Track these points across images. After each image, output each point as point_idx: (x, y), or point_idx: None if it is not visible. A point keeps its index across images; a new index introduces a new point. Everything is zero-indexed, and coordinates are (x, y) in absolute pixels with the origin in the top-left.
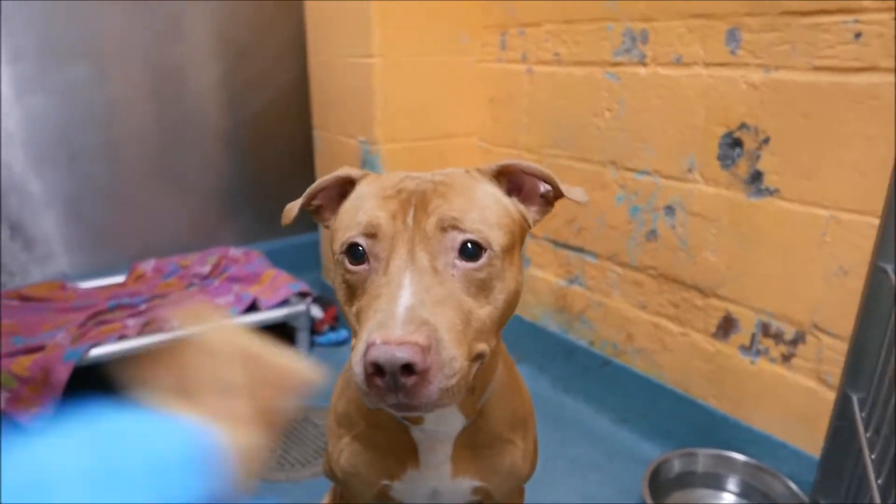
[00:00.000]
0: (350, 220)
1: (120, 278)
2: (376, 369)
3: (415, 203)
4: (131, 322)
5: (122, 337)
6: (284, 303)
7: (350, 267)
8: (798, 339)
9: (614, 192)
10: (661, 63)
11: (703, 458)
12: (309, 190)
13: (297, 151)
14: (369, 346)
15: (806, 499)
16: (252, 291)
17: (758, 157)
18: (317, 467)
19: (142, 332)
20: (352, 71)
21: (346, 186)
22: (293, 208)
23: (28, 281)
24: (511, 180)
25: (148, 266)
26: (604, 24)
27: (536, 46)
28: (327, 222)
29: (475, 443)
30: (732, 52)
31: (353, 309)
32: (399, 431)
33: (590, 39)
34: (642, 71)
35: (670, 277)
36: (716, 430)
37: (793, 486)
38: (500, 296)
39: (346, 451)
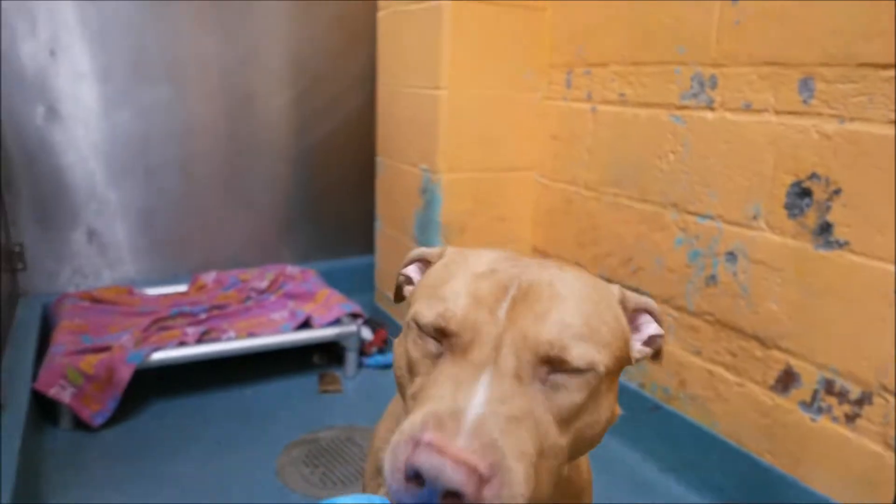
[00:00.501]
0: (430, 292)
1: (182, 287)
2: (415, 475)
3: (514, 294)
4: (191, 330)
5: (181, 343)
6: (336, 322)
7: (419, 340)
8: (864, 400)
9: (674, 235)
10: (729, 108)
11: None
12: (401, 266)
13: (358, 177)
14: (417, 441)
15: None
16: (306, 309)
17: (828, 208)
18: (356, 488)
19: (200, 339)
20: (418, 101)
21: (427, 265)
22: (394, 295)
23: (99, 284)
24: (633, 315)
25: (209, 277)
26: (672, 68)
27: (602, 86)
28: (409, 294)
29: None
30: (805, 101)
31: (414, 384)
32: None
33: (657, 82)
34: (709, 115)
35: (728, 325)
36: (769, 487)
37: None
38: (588, 425)
39: None
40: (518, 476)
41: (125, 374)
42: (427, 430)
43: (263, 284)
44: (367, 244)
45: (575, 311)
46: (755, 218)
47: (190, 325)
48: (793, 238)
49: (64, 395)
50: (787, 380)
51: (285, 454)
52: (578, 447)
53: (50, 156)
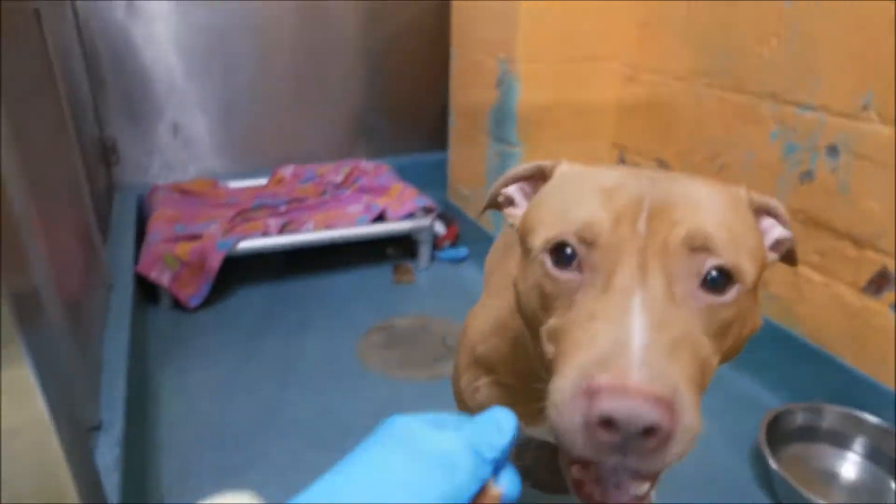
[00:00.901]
0: (555, 214)
1: (262, 181)
2: (605, 423)
3: (649, 207)
4: (273, 221)
5: (264, 234)
6: (410, 216)
7: (553, 272)
8: None
9: (769, 128)
10: None
11: (830, 414)
12: (497, 185)
13: (432, 70)
14: (594, 390)
15: None
16: (381, 203)
17: None
18: (432, 371)
19: (281, 231)
20: None
21: (538, 181)
22: (484, 207)
23: (186, 177)
24: (757, 218)
25: (287, 171)
26: None
27: None
28: (515, 217)
29: None
30: None
31: (550, 324)
32: (536, 383)
33: None
34: None
35: (821, 223)
36: (849, 389)
37: None
38: (736, 339)
39: (482, 392)
40: (692, 401)
41: (216, 260)
42: (598, 376)
43: (339, 178)
44: (440, 139)
45: (715, 218)
46: (865, 108)
47: (271, 216)
48: None
49: (163, 278)
50: (880, 281)
51: (364, 338)
52: (721, 363)
53: (133, 51)
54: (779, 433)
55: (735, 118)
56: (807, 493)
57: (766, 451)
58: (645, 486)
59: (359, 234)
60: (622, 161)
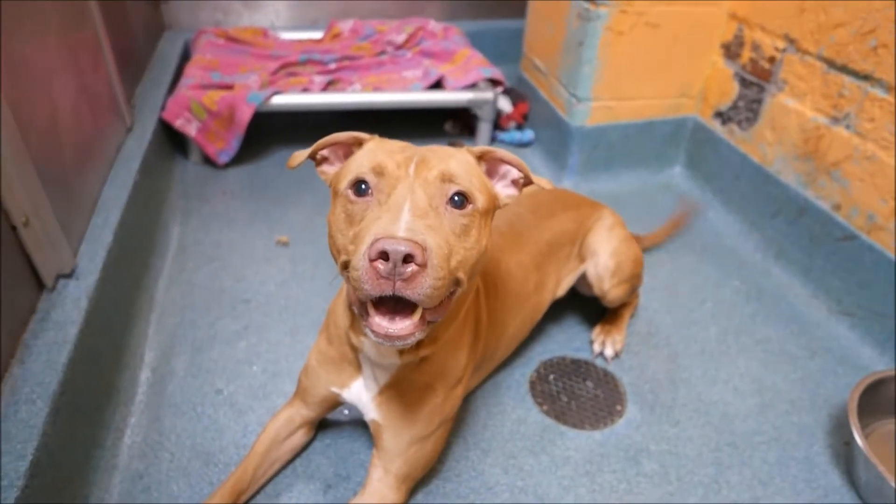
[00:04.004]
0: (359, 163)
1: (318, 35)
2: (381, 255)
3: (416, 161)
4: (318, 78)
5: (305, 90)
6: (472, 87)
7: (353, 198)
8: None
9: None
10: None
11: None
12: (320, 142)
13: None
14: (375, 240)
15: None
16: (442, 69)
17: None
18: None
19: (325, 89)
20: None
21: (352, 147)
22: (300, 156)
23: (240, 23)
24: (489, 163)
25: (346, 25)
26: None
27: None
28: (327, 175)
29: (406, 380)
30: None
31: (350, 234)
32: (351, 350)
33: None
34: None
35: None
36: None
37: None
38: (472, 246)
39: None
40: (437, 254)
41: (246, 113)
42: (379, 234)
43: (400, 38)
44: (518, 6)
45: (458, 166)
46: None
47: (319, 73)
48: None
49: (189, 128)
50: None
51: None
52: (468, 264)
53: None
54: (874, 402)
55: None
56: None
57: (854, 424)
58: (415, 317)
59: (408, 101)
60: (740, 38)
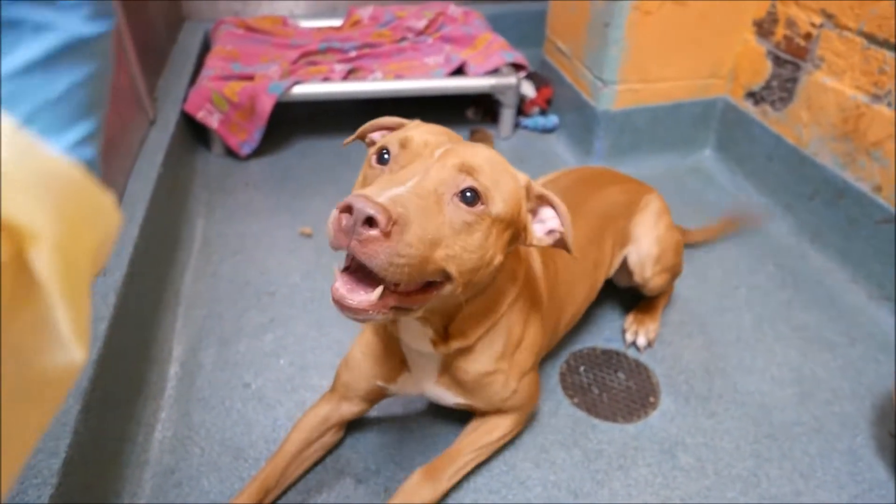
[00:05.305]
0: (393, 136)
1: (337, 22)
2: (346, 209)
3: (448, 147)
4: (338, 67)
5: (325, 79)
6: (494, 72)
7: (374, 164)
8: None
9: None
10: None
11: None
12: (367, 125)
13: None
14: (349, 196)
15: None
16: (463, 54)
17: None
18: None
19: (346, 77)
20: None
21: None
22: (350, 138)
23: (257, 13)
24: (538, 204)
25: (366, 12)
26: None
27: None
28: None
29: (460, 366)
30: None
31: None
32: (394, 342)
33: None
34: None
35: None
36: None
37: None
38: (473, 249)
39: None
40: (415, 233)
41: (267, 104)
42: (357, 193)
43: (421, 24)
44: None
45: (484, 163)
46: None
47: (339, 61)
48: None
49: (211, 119)
50: None
51: None
52: (465, 267)
53: None
54: None
55: None
56: None
57: None
58: (375, 294)
59: (430, 88)
60: (773, 14)
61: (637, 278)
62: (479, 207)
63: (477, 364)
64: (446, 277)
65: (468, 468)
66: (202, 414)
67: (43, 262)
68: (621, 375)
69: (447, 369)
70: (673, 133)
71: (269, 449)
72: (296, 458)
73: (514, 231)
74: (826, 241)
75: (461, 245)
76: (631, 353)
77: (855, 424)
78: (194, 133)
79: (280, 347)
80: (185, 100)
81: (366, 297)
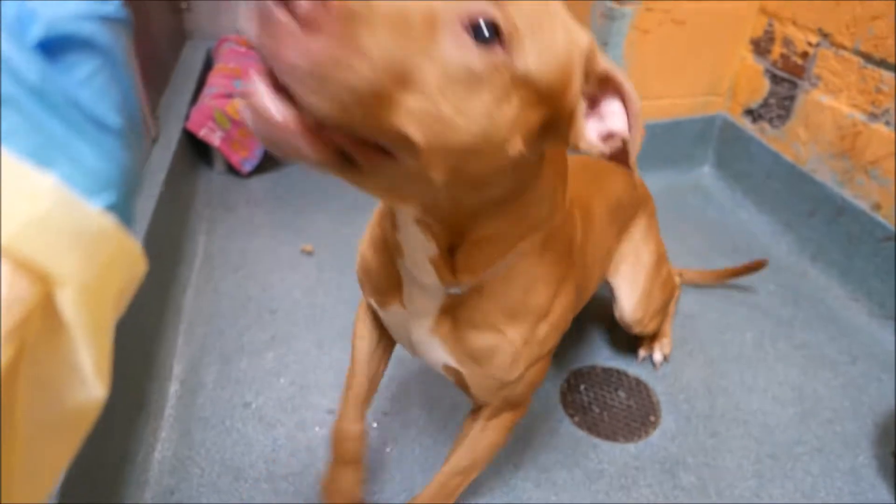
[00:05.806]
0: None
1: None
2: None
3: None
4: None
5: None
6: None
7: None
8: None
9: None
10: None
11: None
12: None
13: None
14: None
15: None
16: None
17: None
18: None
19: None
20: None
21: None
22: None
23: None
24: (601, 91)
25: None
26: None
27: None
28: None
29: (463, 318)
30: None
31: None
32: (391, 258)
33: None
34: None
35: None
36: None
37: None
38: (471, 115)
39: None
40: (376, 43)
41: None
42: None
43: None
44: None
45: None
46: None
47: None
48: None
49: (213, 137)
50: None
51: None
52: (444, 139)
53: None
54: None
55: None
56: None
57: None
58: (290, 113)
59: None
60: (770, 33)
61: (621, 323)
62: (497, 52)
63: (486, 317)
64: (407, 147)
65: (455, 495)
66: (202, 433)
67: (69, 304)
68: (622, 394)
69: (447, 316)
70: (672, 150)
71: (268, 469)
72: (369, 362)
73: (552, 116)
74: (827, 259)
75: (454, 102)
76: (631, 371)
77: (857, 444)
78: (196, 151)
79: (281, 366)
80: (187, 118)
81: (284, 110)
